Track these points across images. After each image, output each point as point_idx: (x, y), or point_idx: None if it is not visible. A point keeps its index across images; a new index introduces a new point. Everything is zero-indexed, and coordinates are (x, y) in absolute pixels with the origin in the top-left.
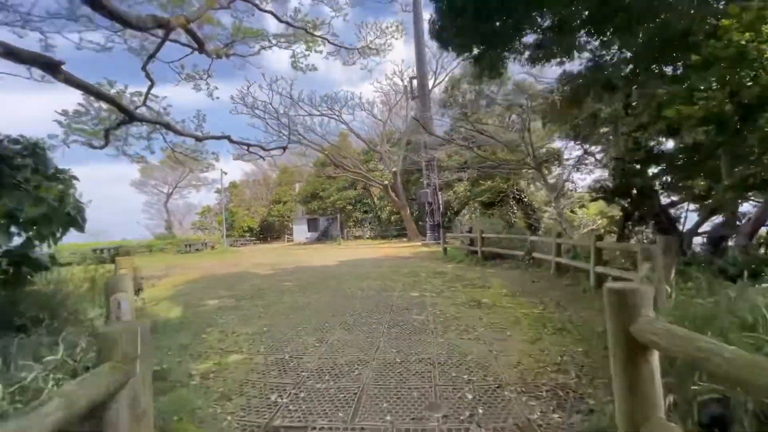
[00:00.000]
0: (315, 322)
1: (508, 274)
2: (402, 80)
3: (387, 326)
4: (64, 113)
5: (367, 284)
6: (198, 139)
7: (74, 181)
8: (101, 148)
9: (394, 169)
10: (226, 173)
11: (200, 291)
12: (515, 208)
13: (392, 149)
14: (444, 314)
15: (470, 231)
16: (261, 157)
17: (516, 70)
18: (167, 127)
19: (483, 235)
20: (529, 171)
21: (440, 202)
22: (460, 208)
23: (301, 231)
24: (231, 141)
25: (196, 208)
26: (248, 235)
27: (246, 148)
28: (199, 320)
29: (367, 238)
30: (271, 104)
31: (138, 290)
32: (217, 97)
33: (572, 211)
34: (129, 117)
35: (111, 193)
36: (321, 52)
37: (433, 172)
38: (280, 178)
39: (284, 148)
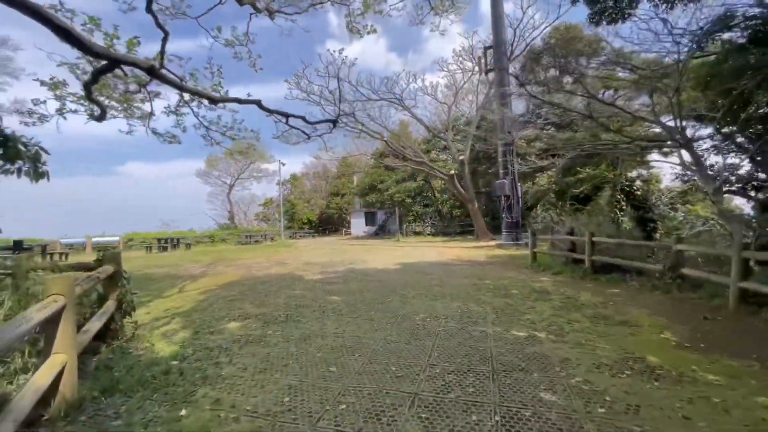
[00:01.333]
0: (369, 391)
1: (648, 300)
2: (472, 56)
3: (501, 420)
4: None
5: (443, 307)
6: (214, 101)
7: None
8: (101, 118)
9: (461, 158)
10: (284, 164)
11: (228, 303)
12: (623, 203)
13: (458, 135)
14: (599, 395)
15: (572, 232)
16: (306, 134)
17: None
18: (150, 72)
19: (594, 239)
20: (648, 154)
21: (520, 195)
22: (535, 203)
23: (358, 224)
24: (262, 108)
25: (259, 200)
26: (307, 227)
27: (285, 119)
28: (196, 365)
29: (428, 234)
30: (327, 88)
31: (128, 311)
32: (261, 69)
33: (673, 208)
34: (81, 49)
35: (186, 185)
36: (381, 12)
37: (512, 159)
38: (338, 170)
39: (334, 123)
